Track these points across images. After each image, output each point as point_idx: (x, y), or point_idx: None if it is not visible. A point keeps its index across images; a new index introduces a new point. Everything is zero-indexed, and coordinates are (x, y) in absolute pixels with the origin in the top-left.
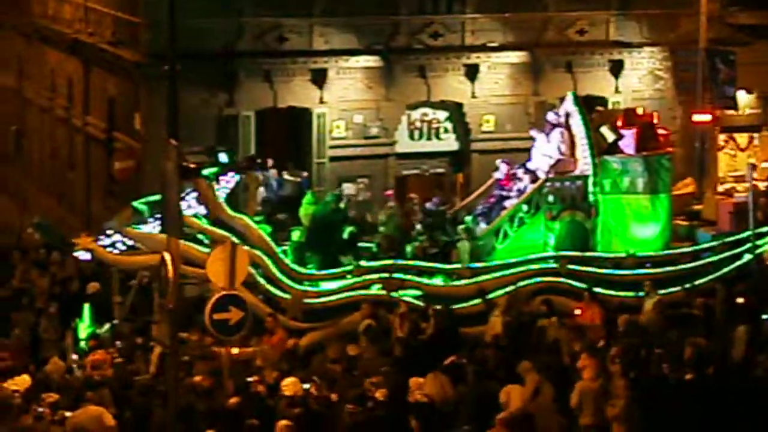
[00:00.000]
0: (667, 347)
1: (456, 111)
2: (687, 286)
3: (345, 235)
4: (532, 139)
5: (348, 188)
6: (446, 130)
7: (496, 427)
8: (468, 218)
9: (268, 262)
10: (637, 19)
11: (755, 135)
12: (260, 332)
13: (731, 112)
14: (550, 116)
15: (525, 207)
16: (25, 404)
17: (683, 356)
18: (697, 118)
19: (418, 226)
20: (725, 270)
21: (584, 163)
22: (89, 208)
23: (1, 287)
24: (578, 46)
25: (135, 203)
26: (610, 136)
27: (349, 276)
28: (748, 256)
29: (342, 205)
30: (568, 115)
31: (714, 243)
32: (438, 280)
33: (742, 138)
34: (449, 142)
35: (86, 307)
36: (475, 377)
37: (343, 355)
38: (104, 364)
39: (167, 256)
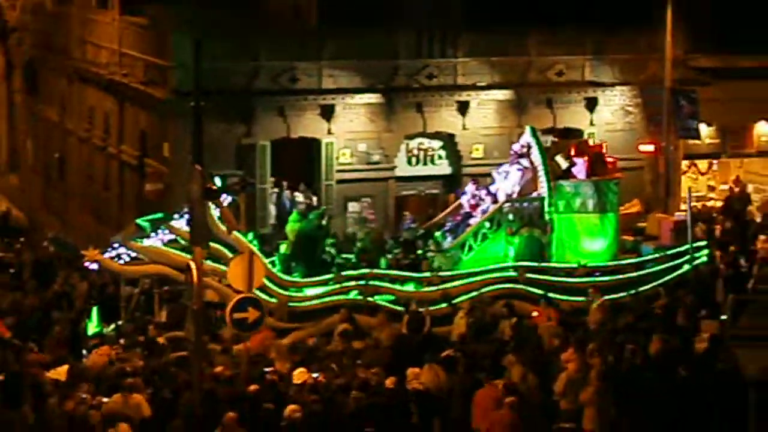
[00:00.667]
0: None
1: (449, 141)
2: (632, 292)
3: (327, 248)
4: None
5: (353, 207)
6: (440, 157)
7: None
8: (437, 233)
9: None
10: (610, 62)
11: (714, 161)
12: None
13: (694, 141)
14: (516, 147)
15: (488, 224)
16: (66, 391)
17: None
18: (642, 148)
19: (391, 241)
20: (666, 278)
21: (541, 186)
22: (123, 224)
23: (45, 291)
24: (557, 85)
25: (138, 220)
26: (564, 164)
27: (330, 283)
28: (686, 267)
29: (324, 222)
30: (528, 146)
31: (655, 255)
32: (410, 287)
33: (702, 164)
34: (443, 167)
35: (94, 309)
36: (464, 368)
37: (349, 349)
38: (134, 357)
39: (192, 264)
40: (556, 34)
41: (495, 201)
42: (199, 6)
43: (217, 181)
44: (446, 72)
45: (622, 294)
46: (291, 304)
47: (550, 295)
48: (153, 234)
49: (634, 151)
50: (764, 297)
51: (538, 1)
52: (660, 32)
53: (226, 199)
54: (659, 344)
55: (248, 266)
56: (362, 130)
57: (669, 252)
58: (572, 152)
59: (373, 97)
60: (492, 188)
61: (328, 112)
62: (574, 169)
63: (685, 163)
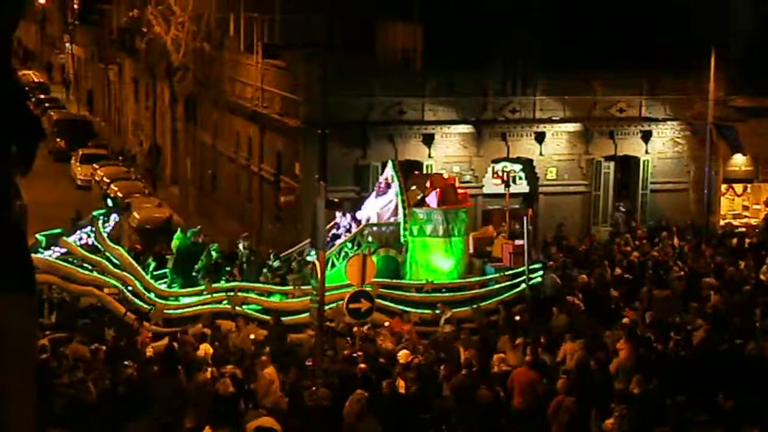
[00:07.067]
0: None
1: (528, 164)
2: (474, 306)
3: (206, 261)
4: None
5: None
6: (520, 178)
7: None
8: (312, 252)
9: (136, 282)
10: (662, 101)
11: (748, 185)
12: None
13: (731, 168)
14: (381, 179)
15: (350, 244)
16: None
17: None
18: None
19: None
20: (505, 295)
21: (398, 212)
22: (261, 228)
23: None
24: (618, 120)
25: (37, 235)
26: (419, 194)
27: (204, 293)
28: (523, 285)
29: (200, 239)
30: (390, 178)
31: (496, 275)
32: (275, 299)
33: (738, 187)
34: (522, 186)
35: None
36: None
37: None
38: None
39: (317, 263)
40: (617, 77)
41: (359, 225)
42: (325, 52)
43: (110, 202)
44: (527, 107)
45: (465, 308)
46: (166, 311)
47: (402, 307)
48: (48, 249)
49: (683, 175)
50: None
51: (603, 50)
52: (704, 77)
53: (114, 217)
54: (703, 335)
55: (362, 264)
56: (456, 154)
57: (508, 272)
58: (427, 184)
59: (465, 128)
60: (358, 214)
61: (428, 140)
62: (427, 199)
63: (723, 186)
